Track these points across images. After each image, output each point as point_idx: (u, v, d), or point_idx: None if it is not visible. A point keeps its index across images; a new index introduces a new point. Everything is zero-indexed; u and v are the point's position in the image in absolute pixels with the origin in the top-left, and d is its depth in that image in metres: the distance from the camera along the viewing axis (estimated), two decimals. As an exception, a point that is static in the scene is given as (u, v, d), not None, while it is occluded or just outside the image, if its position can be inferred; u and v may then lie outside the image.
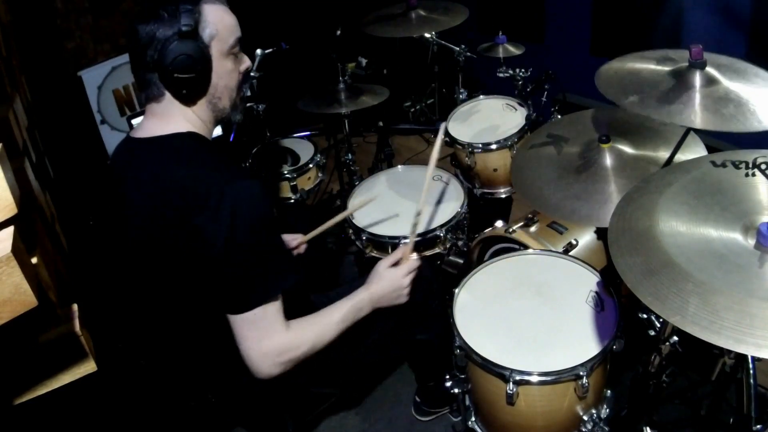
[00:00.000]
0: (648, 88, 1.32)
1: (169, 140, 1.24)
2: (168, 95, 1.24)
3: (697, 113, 1.23)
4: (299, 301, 1.46)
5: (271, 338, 1.23)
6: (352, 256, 2.43)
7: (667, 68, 1.37)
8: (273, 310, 1.22)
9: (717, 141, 2.02)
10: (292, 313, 1.29)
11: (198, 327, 1.37)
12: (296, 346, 1.27)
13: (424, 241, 1.91)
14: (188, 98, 1.26)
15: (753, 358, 1.27)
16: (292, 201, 2.54)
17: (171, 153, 1.23)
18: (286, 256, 1.33)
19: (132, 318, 2.13)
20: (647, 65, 1.41)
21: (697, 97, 1.26)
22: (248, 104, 2.41)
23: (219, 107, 1.31)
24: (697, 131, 1.37)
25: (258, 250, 1.19)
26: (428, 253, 1.93)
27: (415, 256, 1.51)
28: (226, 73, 1.28)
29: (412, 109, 3.86)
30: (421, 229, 1.85)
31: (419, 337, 1.70)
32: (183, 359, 1.52)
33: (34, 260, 0.99)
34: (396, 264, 1.47)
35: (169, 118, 1.26)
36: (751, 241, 0.99)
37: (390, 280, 1.43)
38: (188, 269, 1.22)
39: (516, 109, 2.31)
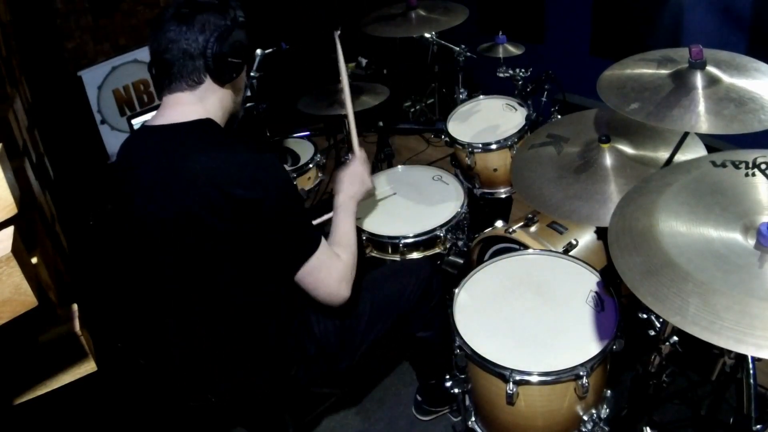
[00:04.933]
0: (649, 93, 1.31)
1: (194, 125, 1.26)
2: (206, 82, 1.27)
3: (699, 117, 1.23)
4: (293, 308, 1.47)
5: (337, 268, 1.36)
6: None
7: (667, 71, 1.37)
8: (325, 247, 1.35)
9: (717, 141, 2.02)
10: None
11: (209, 318, 1.37)
12: (351, 263, 1.43)
13: (425, 241, 1.91)
14: (228, 82, 1.31)
15: (753, 358, 1.26)
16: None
17: (198, 137, 1.26)
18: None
19: (132, 317, 2.13)
20: (648, 69, 1.40)
21: (699, 100, 1.26)
22: (248, 104, 2.41)
23: (237, 101, 1.39)
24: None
25: (296, 206, 1.31)
26: (428, 253, 1.93)
27: (358, 150, 1.70)
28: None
29: (412, 109, 3.86)
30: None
31: (420, 334, 1.71)
32: (184, 358, 1.52)
33: (34, 260, 0.99)
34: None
35: (192, 106, 1.28)
36: (751, 241, 0.99)
37: (351, 176, 1.61)
38: (234, 241, 1.24)
39: (516, 109, 2.31)
